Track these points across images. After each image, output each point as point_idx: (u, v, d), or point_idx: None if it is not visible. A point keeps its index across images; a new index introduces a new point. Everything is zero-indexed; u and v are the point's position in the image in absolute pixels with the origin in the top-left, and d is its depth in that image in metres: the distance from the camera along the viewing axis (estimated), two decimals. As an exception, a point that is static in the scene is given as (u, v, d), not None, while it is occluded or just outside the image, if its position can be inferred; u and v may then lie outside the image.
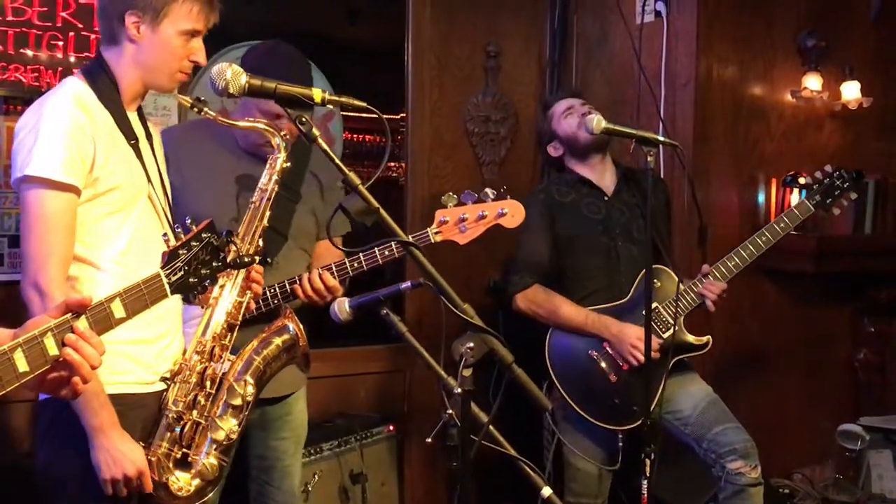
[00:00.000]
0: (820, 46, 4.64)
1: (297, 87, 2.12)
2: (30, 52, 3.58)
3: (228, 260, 1.97)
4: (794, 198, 4.48)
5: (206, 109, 2.58)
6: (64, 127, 2.40)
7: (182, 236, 1.91)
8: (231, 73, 2.10)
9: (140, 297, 1.88)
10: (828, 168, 3.74)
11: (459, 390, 2.06)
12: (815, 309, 4.83)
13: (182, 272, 1.91)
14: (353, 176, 2.07)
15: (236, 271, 2.64)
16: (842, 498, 4.61)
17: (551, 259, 3.79)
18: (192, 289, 1.94)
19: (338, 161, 2.09)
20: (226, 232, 2.00)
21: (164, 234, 1.91)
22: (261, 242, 2.70)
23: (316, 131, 2.10)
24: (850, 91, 4.73)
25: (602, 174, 3.86)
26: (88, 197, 2.46)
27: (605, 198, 3.83)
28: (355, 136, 5.12)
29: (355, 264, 3.12)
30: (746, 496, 3.60)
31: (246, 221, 2.68)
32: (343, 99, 2.16)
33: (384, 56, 4.80)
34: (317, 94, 2.10)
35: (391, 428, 4.29)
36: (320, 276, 3.06)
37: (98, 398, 2.39)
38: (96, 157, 2.43)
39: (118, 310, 1.84)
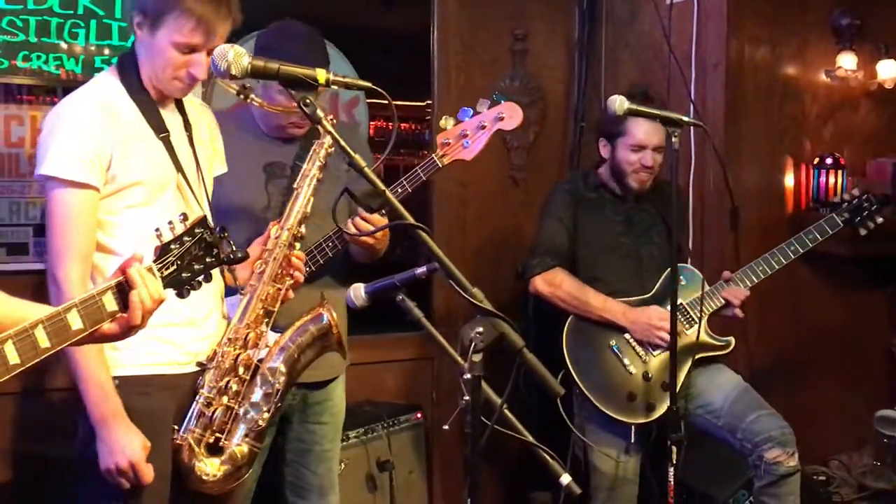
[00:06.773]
0: (854, 25, 4.54)
1: (301, 68, 2.08)
2: (52, 41, 3.59)
3: (222, 256, 1.96)
4: (826, 180, 4.48)
5: (252, 96, 2.53)
6: (79, 128, 2.45)
7: (175, 231, 1.91)
8: (233, 54, 2.06)
9: None
10: (855, 191, 3.80)
11: (469, 375, 2.03)
12: (852, 293, 4.74)
13: (175, 266, 1.91)
14: (358, 158, 2.03)
15: (276, 256, 2.68)
16: (879, 485, 4.53)
17: (571, 249, 3.77)
18: (185, 283, 1.94)
19: (343, 143, 2.05)
20: (219, 228, 1.99)
21: (157, 229, 1.92)
22: (303, 229, 2.70)
23: (321, 112, 2.06)
24: (887, 70, 4.62)
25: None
26: (109, 192, 2.50)
27: (626, 203, 3.83)
28: (390, 124, 5.08)
29: (398, 189, 3.06)
30: (784, 484, 3.55)
31: (288, 208, 2.69)
32: (347, 80, 2.13)
33: (416, 43, 4.75)
34: (321, 75, 2.06)
35: (419, 415, 4.27)
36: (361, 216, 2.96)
37: (102, 388, 2.41)
38: (114, 155, 2.47)
39: (109, 302, 1.84)
